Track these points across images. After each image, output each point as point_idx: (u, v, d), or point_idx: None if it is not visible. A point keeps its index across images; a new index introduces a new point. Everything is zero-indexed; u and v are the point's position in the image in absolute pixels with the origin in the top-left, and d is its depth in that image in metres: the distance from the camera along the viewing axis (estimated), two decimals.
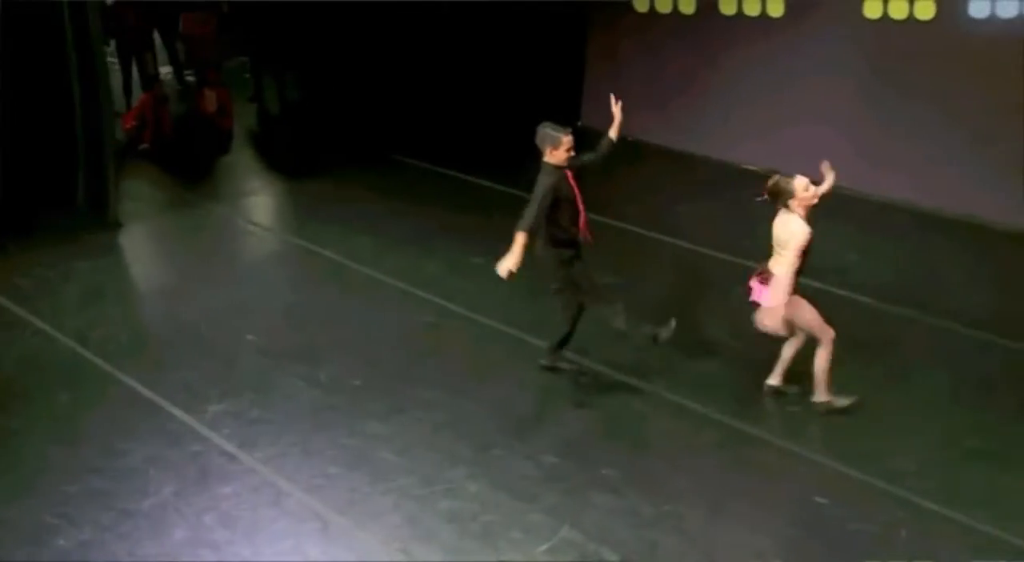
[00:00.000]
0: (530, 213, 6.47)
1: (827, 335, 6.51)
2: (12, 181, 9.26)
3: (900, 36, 9.98)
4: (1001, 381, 7.26)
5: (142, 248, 9.56)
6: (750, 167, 11.07)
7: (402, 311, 8.20)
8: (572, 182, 6.66)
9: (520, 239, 6.35)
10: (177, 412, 6.69)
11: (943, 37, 9.75)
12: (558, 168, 6.62)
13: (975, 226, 9.65)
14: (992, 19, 9.47)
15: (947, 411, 6.87)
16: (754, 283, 6.54)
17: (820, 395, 6.70)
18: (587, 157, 6.83)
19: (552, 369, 7.24)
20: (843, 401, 6.70)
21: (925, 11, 9.81)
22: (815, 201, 6.38)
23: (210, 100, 12.06)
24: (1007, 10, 9.38)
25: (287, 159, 11.76)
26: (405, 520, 5.72)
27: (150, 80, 12.05)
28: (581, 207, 6.71)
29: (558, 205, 6.61)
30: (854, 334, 7.14)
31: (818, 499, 5.96)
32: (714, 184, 10.87)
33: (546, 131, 6.65)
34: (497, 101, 11.89)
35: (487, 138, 11.71)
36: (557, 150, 6.58)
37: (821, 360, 6.58)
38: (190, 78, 13.35)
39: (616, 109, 6.91)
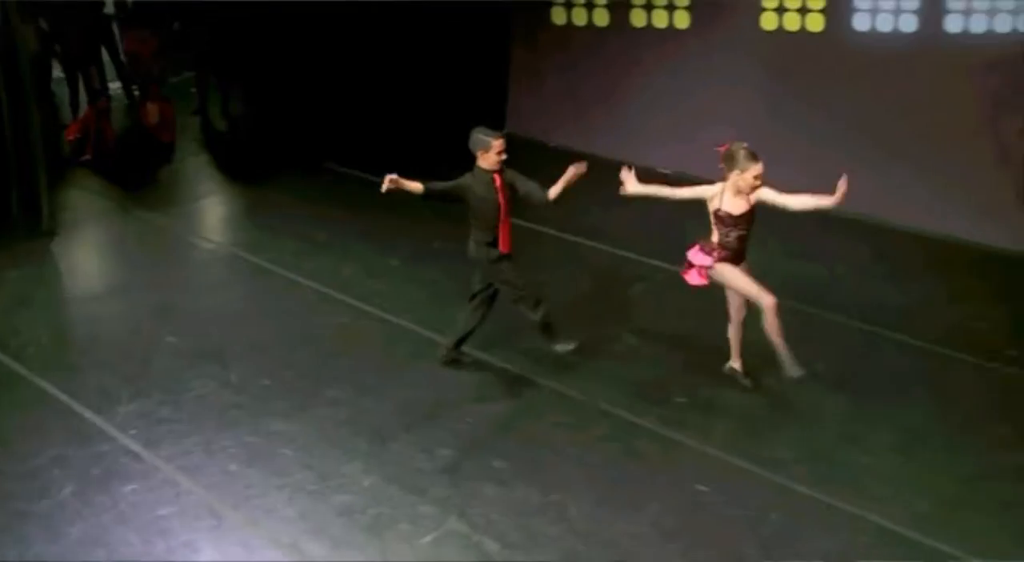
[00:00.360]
0: (440, 184, 6.56)
1: (765, 301, 6.42)
2: None
3: (794, 47, 9.97)
4: (879, 371, 7.33)
5: (73, 256, 9.51)
6: (664, 171, 11.03)
7: (316, 313, 8.23)
8: (499, 187, 6.62)
9: (416, 185, 6.45)
10: (88, 413, 6.72)
11: (831, 48, 9.82)
12: (487, 172, 6.62)
13: (870, 224, 9.65)
14: (872, 32, 9.57)
15: (826, 401, 6.88)
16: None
17: (790, 368, 6.54)
18: (521, 187, 6.71)
19: (454, 362, 7.25)
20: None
21: (815, 24, 9.83)
22: (755, 184, 6.48)
23: (152, 113, 11.99)
24: (885, 24, 9.50)
25: (226, 169, 11.60)
26: (298, 515, 5.79)
27: (95, 94, 11.87)
28: (504, 216, 6.68)
29: (482, 207, 6.63)
30: None
31: (699, 487, 5.98)
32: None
33: (477, 135, 6.62)
34: (426, 111, 11.77)
35: (415, 145, 11.60)
36: (488, 154, 6.57)
37: (771, 329, 6.45)
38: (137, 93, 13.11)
39: (570, 172, 6.66)
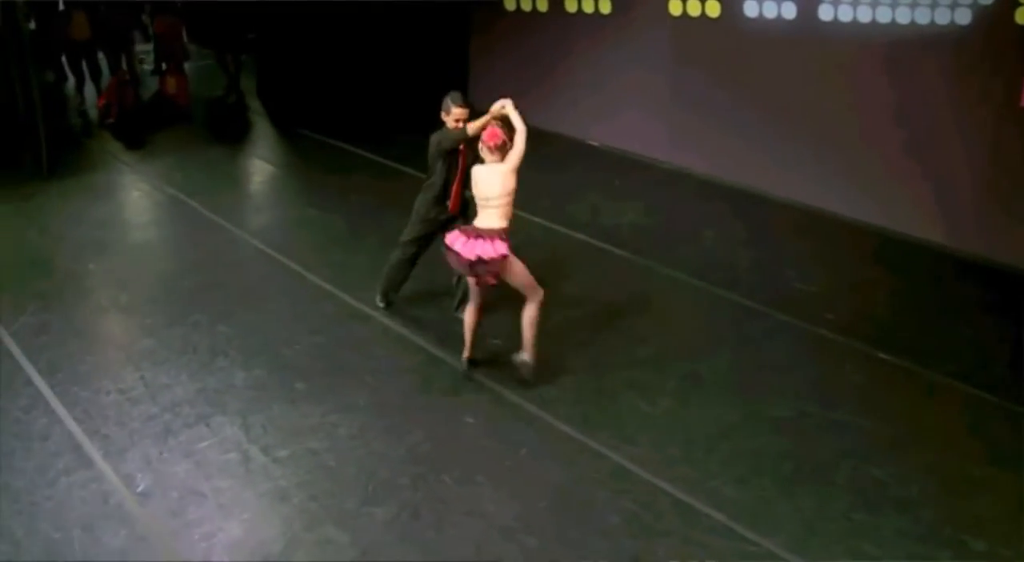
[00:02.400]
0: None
1: (538, 294, 5.73)
2: None
3: (696, 31, 9.30)
4: (696, 325, 6.82)
5: (53, 194, 9.44)
6: (593, 143, 10.57)
7: (216, 241, 7.98)
8: (462, 149, 6.05)
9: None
10: None
11: (727, 32, 9.09)
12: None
13: (755, 195, 8.98)
14: (761, 18, 8.85)
15: (634, 351, 6.39)
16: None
17: (527, 354, 5.85)
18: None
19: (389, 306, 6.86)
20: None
21: (713, 10, 9.14)
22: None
23: (171, 84, 12.08)
24: (770, 11, 8.78)
25: (217, 132, 11.56)
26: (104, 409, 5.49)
27: (132, 71, 12.05)
28: (458, 177, 6.19)
29: (443, 164, 6.16)
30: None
31: (467, 419, 5.61)
32: (562, 159, 10.32)
33: (447, 98, 6.09)
34: (399, 90, 11.45)
35: (388, 119, 11.33)
36: (448, 116, 6.07)
37: (531, 317, 5.74)
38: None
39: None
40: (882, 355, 6.32)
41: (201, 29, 12.70)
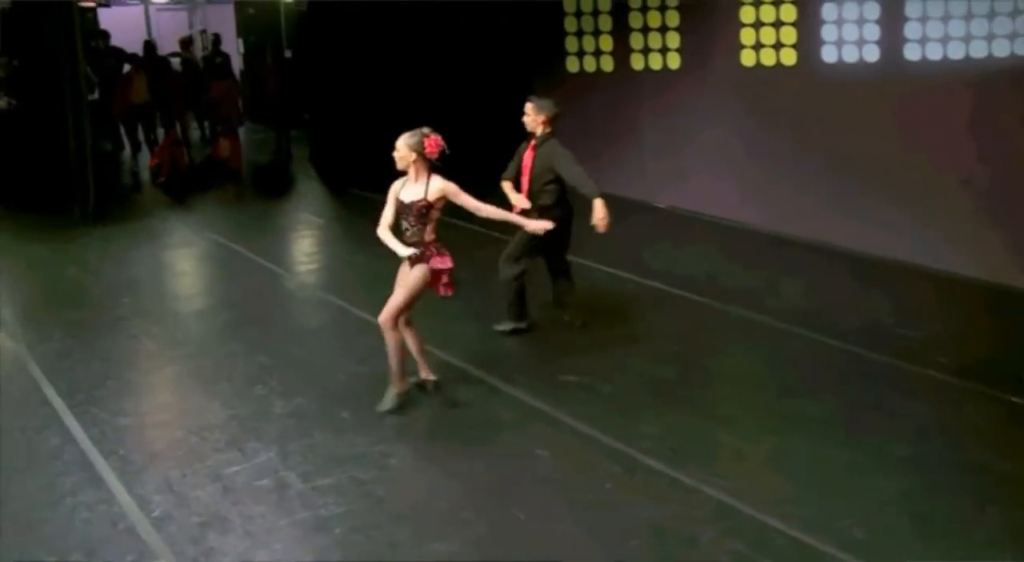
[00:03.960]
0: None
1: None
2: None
3: (771, 81, 8.81)
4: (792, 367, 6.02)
5: (95, 239, 9.04)
6: (660, 205, 9.95)
7: (257, 280, 7.49)
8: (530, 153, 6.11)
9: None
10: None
11: (804, 80, 8.59)
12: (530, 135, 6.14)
13: (836, 249, 8.25)
14: (840, 63, 8.31)
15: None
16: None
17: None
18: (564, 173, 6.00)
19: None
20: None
21: (788, 57, 8.66)
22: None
23: (223, 147, 11.88)
24: (850, 55, 8.24)
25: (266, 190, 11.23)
26: None
27: (185, 133, 11.94)
28: (525, 179, 6.13)
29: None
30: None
31: (538, 451, 4.79)
32: (627, 216, 9.60)
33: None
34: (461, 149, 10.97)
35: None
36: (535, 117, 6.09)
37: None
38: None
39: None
40: (1011, 398, 5.42)
41: (257, 108, 12.61)
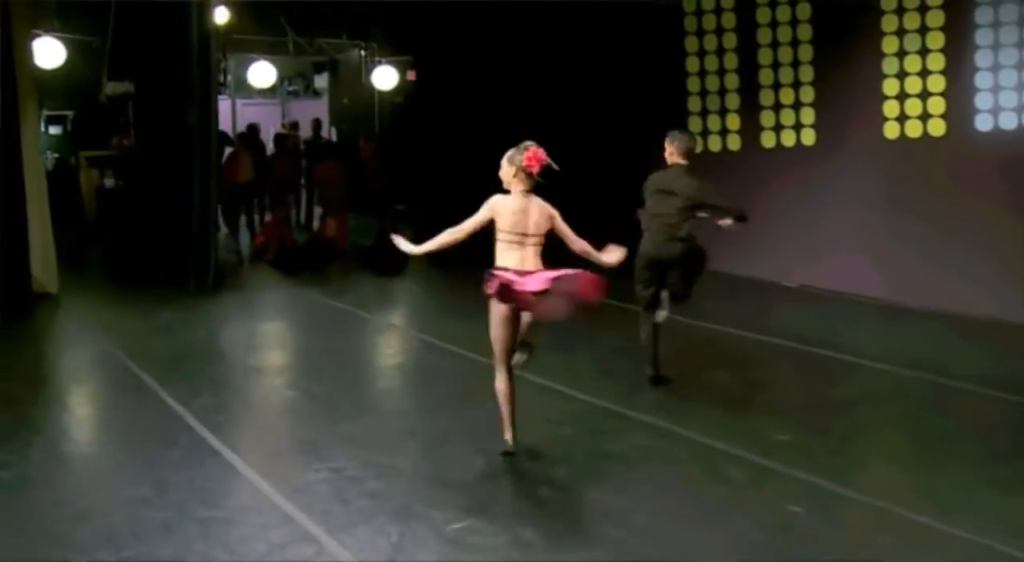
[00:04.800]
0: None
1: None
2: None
3: (917, 154, 8.61)
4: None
5: (216, 307, 8.90)
6: (790, 285, 9.60)
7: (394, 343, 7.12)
8: None
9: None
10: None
11: (955, 151, 8.39)
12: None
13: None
14: (996, 130, 8.16)
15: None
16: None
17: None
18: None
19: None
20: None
21: (937, 128, 8.48)
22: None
23: (331, 227, 11.75)
24: (1008, 122, 8.10)
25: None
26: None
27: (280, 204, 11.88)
28: None
29: None
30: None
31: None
32: (756, 294, 9.37)
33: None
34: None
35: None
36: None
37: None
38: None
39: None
40: None
41: (354, 199, 12.64)
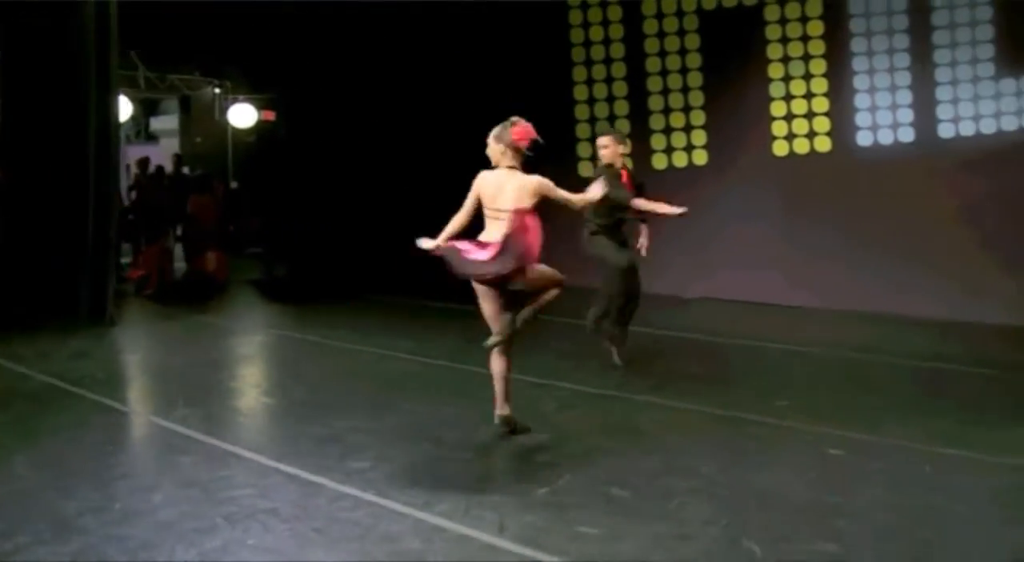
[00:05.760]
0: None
1: (559, 279, 4.99)
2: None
3: (805, 168, 9.47)
4: None
5: (130, 334, 8.21)
6: (689, 298, 10.13)
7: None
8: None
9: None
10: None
11: (839, 165, 9.31)
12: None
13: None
14: (876, 146, 9.16)
15: None
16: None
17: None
18: None
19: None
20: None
21: (823, 144, 9.40)
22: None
23: (211, 261, 11.20)
24: (885, 138, 9.12)
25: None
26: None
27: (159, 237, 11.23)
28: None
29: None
30: None
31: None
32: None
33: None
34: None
35: None
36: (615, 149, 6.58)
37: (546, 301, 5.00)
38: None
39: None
40: None
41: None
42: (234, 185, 15.24)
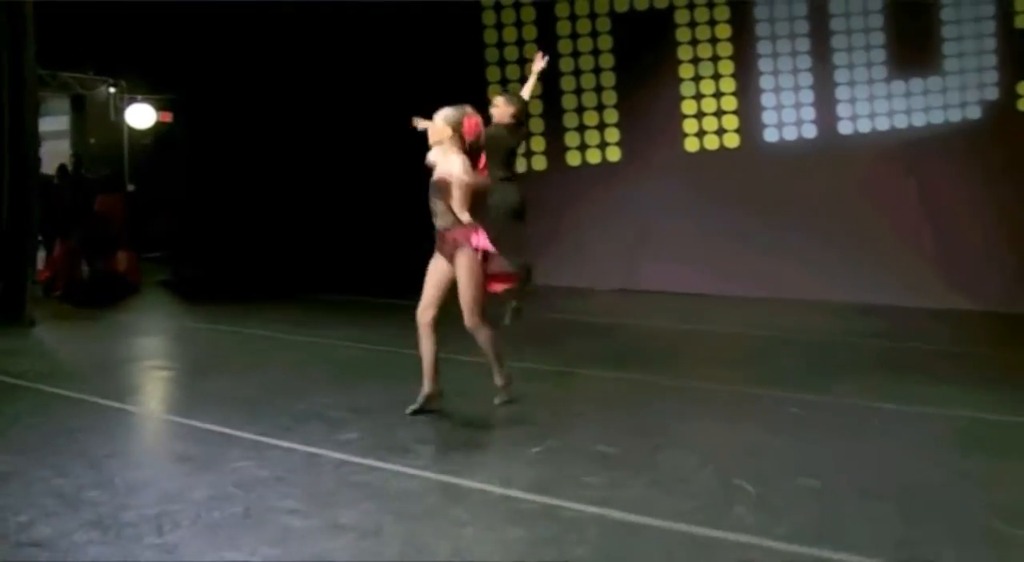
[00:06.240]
0: None
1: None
2: None
3: (715, 163, 10.03)
4: None
5: (58, 334, 7.97)
6: (604, 288, 10.53)
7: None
8: None
9: None
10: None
11: (748, 159, 9.90)
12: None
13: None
14: (781, 142, 9.88)
15: None
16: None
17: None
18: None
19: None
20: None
21: (731, 141, 9.97)
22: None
23: (122, 261, 10.86)
24: (790, 134, 9.85)
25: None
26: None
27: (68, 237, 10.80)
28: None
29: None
30: None
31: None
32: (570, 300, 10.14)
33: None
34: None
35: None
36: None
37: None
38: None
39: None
40: None
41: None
42: (131, 187, 14.79)
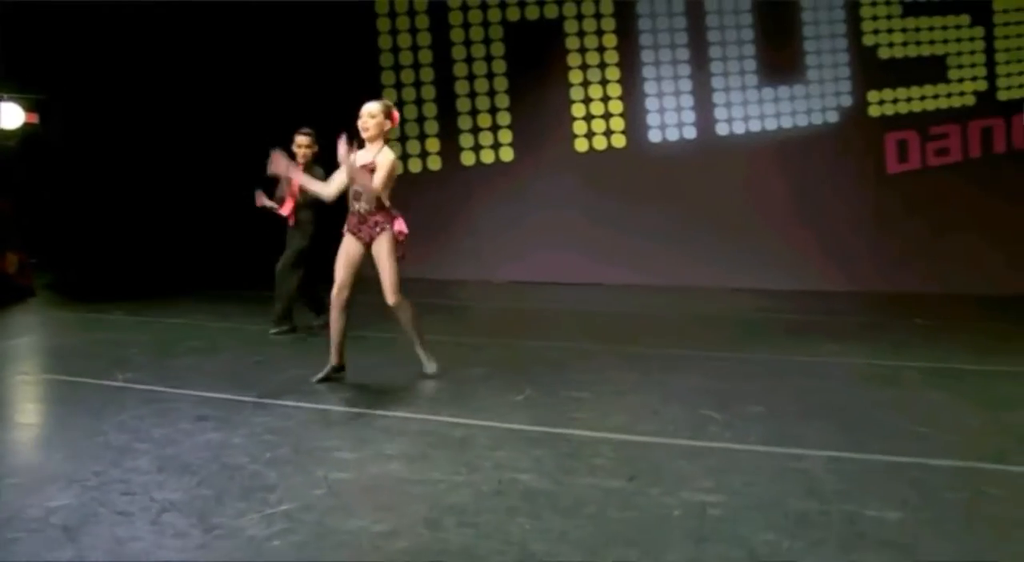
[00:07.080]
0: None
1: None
2: None
3: (605, 162, 10.93)
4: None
5: None
6: (498, 282, 11.19)
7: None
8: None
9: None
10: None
11: (635, 158, 10.86)
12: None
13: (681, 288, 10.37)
14: (664, 142, 10.92)
15: None
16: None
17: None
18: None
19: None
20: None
21: (619, 141, 10.91)
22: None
23: (12, 262, 10.55)
24: (672, 135, 10.91)
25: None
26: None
27: None
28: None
29: None
30: None
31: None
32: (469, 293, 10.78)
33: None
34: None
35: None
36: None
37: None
38: None
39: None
40: None
41: None
42: None
